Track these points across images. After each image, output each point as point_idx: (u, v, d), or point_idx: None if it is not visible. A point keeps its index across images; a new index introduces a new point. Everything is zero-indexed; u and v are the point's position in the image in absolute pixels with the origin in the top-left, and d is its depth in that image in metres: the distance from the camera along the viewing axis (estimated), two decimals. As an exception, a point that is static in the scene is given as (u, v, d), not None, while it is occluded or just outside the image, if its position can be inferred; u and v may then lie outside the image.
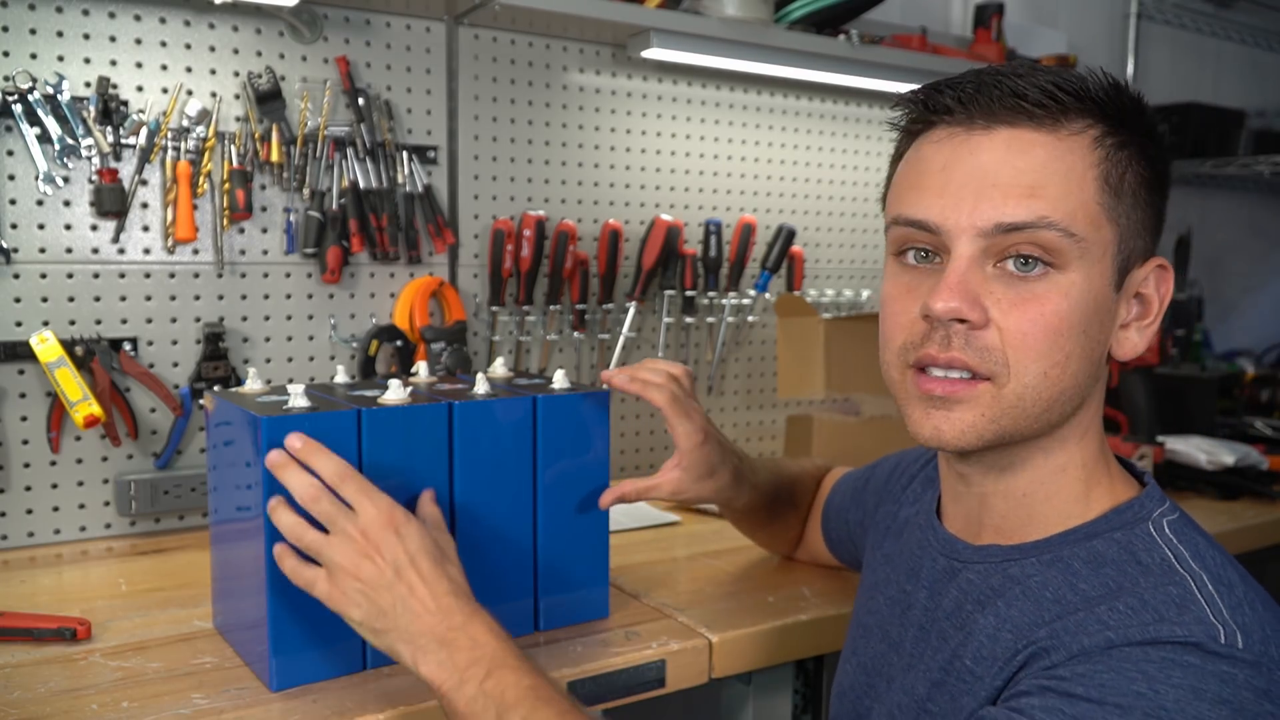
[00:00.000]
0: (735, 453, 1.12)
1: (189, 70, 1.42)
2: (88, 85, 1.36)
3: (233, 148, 1.44)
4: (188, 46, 1.42)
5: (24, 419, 1.36)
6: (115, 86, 1.37)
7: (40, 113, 1.32)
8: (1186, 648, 0.61)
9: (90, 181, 1.37)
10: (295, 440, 0.86)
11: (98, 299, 1.39)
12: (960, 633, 0.74)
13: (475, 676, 0.76)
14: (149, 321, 1.43)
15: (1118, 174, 0.69)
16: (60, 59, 1.34)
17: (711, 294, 1.88)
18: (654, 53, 1.64)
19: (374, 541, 0.81)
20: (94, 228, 1.38)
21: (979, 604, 0.74)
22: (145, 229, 1.41)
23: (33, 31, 1.32)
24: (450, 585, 0.82)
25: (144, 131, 1.39)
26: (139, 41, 1.39)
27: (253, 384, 1.01)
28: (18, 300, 1.34)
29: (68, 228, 1.37)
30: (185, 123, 1.41)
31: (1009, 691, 0.67)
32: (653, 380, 1.05)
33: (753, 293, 1.93)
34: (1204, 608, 0.63)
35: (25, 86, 1.30)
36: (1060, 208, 0.67)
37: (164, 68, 1.41)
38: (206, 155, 1.43)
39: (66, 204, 1.36)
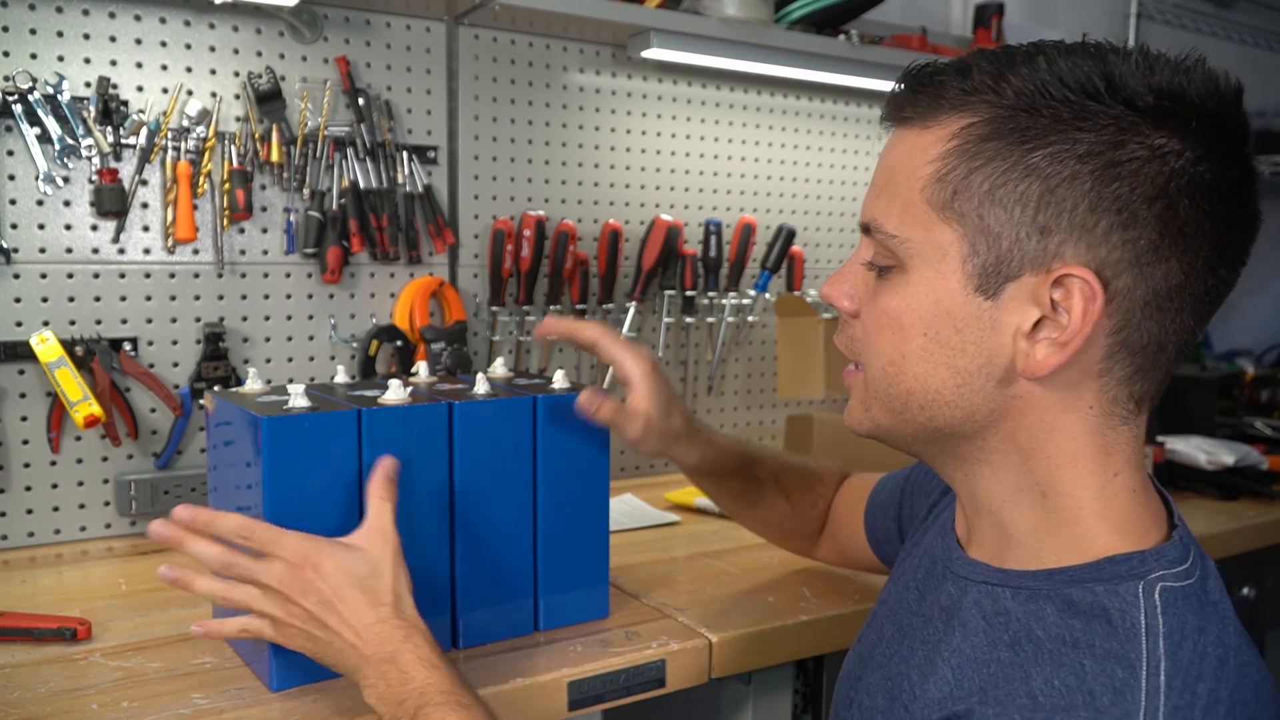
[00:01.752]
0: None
1: (189, 70, 1.42)
2: (88, 85, 1.36)
3: (233, 148, 1.44)
4: (188, 46, 1.42)
5: (24, 419, 1.36)
6: (115, 86, 1.37)
7: (40, 113, 1.32)
8: None
9: (90, 181, 1.37)
10: (184, 511, 0.84)
11: (98, 299, 1.39)
12: (925, 647, 0.72)
13: (408, 711, 0.77)
14: (149, 321, 1.43)
15: (967, 168, 0.62)
16: (60, 59, 1.34)
17: (711, 294, 1.88)
18: (654, 53, 1.64)
19: (293, 588, 0.82)
20: (94, 228, 1.38)
21: (949, 624, 0.71)
22: (145, 229, 1.41)
23: (33, 31, 1.32)
24: (378, 613, 0.82)
25: (144, 131, 1.39)
26: (139, 41, 1.39)
27: (253, 384, 1.01)
28: (18, 300, 1.34)
29: (68, 228, 1.37)
30: (185, 123, 1.41)
31: None
32: (584, 323, 1.06)
33: (753, 293, 1.93)
34: (1139, 702, 0.57)
35: (25, 86, 1.30)
36: (890, 209, 0.67)
37: (164, 68, 1.41)
38: (206, 155, 1.43)
39: (66, 204, 1.36)
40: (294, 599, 0.82)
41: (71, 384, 1.32)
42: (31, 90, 1.31)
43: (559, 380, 1.08)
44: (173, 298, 1.44)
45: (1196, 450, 1.76)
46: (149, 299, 1.42)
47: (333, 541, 0.85)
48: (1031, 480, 0.68)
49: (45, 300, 1.36)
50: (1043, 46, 0.63)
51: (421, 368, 1.12)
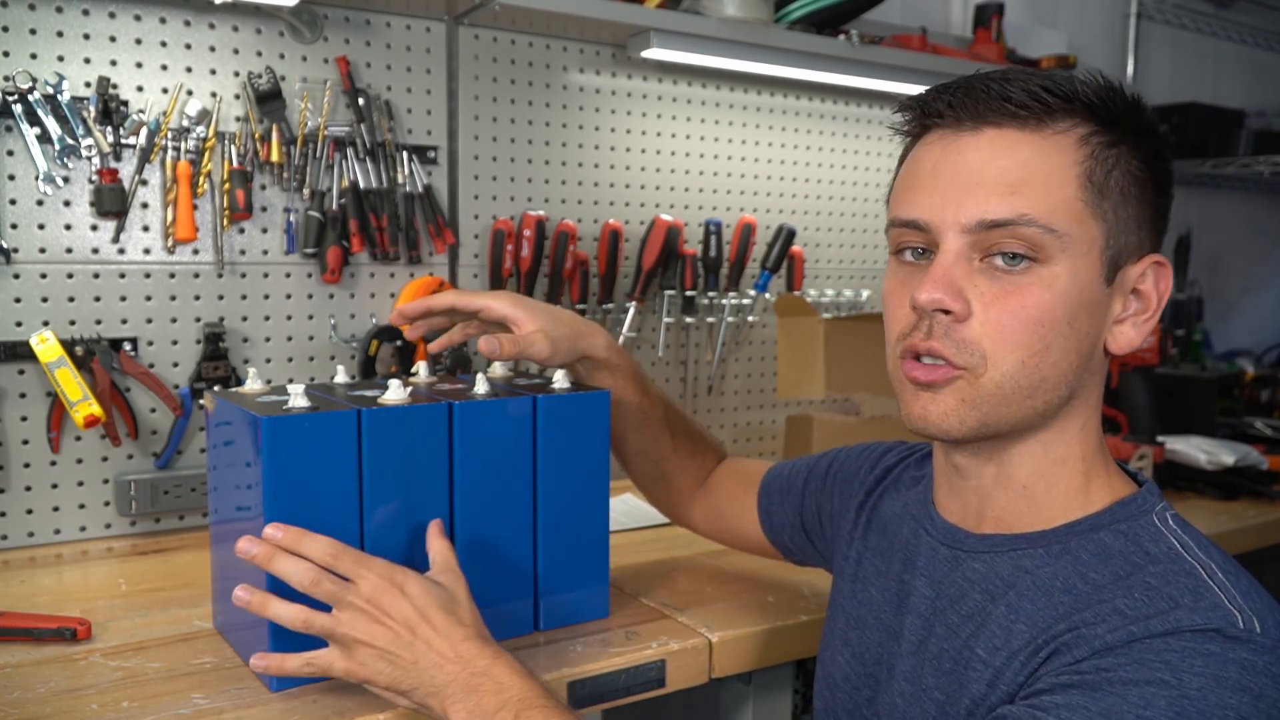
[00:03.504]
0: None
1: (189, 70, 1.42)
2: (88, 85, 1.36)
3: (233, 148, 1.44)
4: (188, 46, 1.42)
5: (24, 419, 1.36)
6: (115, 86, 1.37)
7: (40, 113, 1.32)
8: (1206, 634, 0.62)
9: (90, 181, 1.37)
10: (275, 530, 0.85)
11: (98, 299, 1.39)
12: (970, 623, 0.75)
13: (508, 716, 0.77)
14: (149, 321, 1.43)
15: (1103, 171, 0.71)
16: (60, 59, 1.34)
17: (711, 294, 1.88)
18: (654, 53, 1.64)
19: (382, 606, 0.81)
20: (94, 228, 1.38)
21: (990, 595, 0.75)
22: (145, 229, 1.41)
23: (33, 31, 1.32)
24: (465, 631, 0.82)
25: (144, 131, 1.39)
26: (139, 41, 1.39)
27: (253, 384, 1.01)
28: (18, 300, 1.34)
29: (68, 228, 1.37)
30: (185, 123, 1.41)
31: (1028, 689, 0.68)
32: (437, 297, 1.07)
33: (753, 293, 1.93)
34: (1218, 594, 0.65)
35: (25, 86, 1.30)
36: (1041, 205, 0.69)
37: (164, 68, 1.41)
38: (206, 155, 1.43)
39: (66, 204, 1.36)
40: (379, 619, 0.81)
41: (71, 384, 1.32)
42: (31, 90, 1.31)
43: (559, 380, 1.08)
44: (173, 298, 1.44)
45: (1196, 450, 1.76)
46: (149, 299, 1.42)
47: (413, 571, 0.85)
48: (1079, 450, 0.76)
49: (45, 300, 1.36)
50: (1079, 72, 0.74)
51: (421, 368, 1.12)
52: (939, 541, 0.81)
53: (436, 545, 0.92)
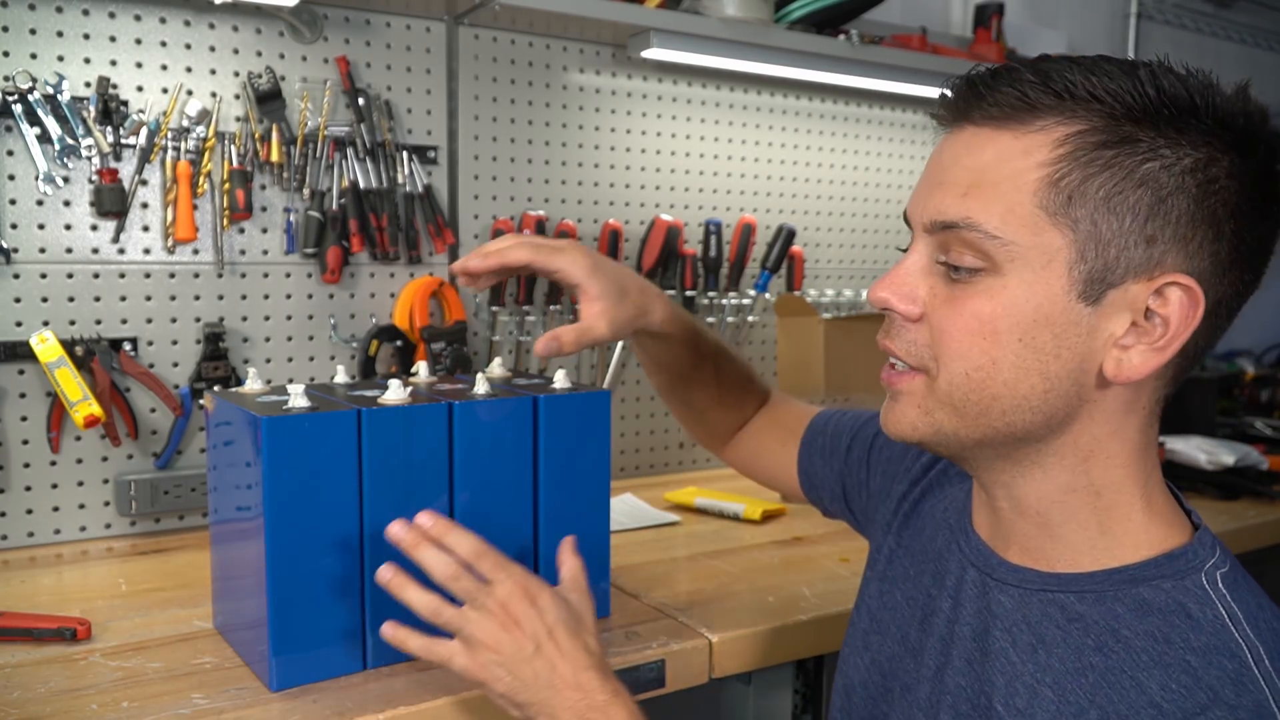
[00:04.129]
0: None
1: (189, 70, 1.42)
2: (88, 85, 1.36)
3: (233, 148, 1.44)
4: (188, 46, 1.42)
5: (24, 419, 1.36)
6: (115, 86, 1.37)
7: (40, 113, 1.32)
8: None
9: (90, 181, 1.37)
10: (426, 519, 0.85)
11: (98, 299, 1.39)
12: (987, 662, 0.71)
13: None
14: (149, 321, 1.43)
15: (1082, 176, 0.63)
16: (60, 59, 1.34)
17: (711, 294, 1.88)
18: (654, 53, 1.64)
19: (513, 615, 0.80)
20: (94, 228, 1.38)
21: (1011, 637, 0.70)
22: (145, 229, 1.41)
23: (33, 31, 1.32)
24: (589, 659, 0.80)
25: (144, 131, 1.39)
26: (139, 41, 1.39)
27: (253, 384, 1.01)
28: (18, 300, 1.34)
29: (68, 228, 1.37)
30: (185, 123, 1.41)
31: None
32: (503, 245, 0.98)
33: (753, 293, 1.93)
34: (1263, 689, 0.60)
35: (25, 86, 1.30)
36: (989, 209, 0.64)
37: (164, 68, 1.41)
38: (206, 155, 1.43)
39: (66, 204, 1.36)
40: (508, 626, 0.80)
41: (71, 384, 1.32)
42: (31, 90, 1.31)
43: (559, 380, 1.08)
44: (173, 298, 1.44)
45: (1196, 450, 1.76)
46: (149, 299, 1.42)
47: (548, 584, 0.84)
48: (1086, 480, 0.69)
49: (45, 300, 1.36)
50: (1137, 62, 0.64)
51: (421, 368, 1.12)
52: (969, 561, 0.77)
53: (570, 562, 0.90)
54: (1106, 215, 0.63)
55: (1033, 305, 0.65)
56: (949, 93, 0.69)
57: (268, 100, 1.46)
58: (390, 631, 0.85)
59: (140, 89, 1.39)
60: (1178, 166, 0.62)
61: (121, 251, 1.40)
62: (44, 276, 1.36)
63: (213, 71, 1.44)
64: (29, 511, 1.37)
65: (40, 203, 1.35)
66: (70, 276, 1.37)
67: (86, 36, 1.35)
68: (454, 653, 0.82)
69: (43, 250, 1.35)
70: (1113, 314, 0.65)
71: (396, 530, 0.85)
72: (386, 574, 0.84)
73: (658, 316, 1.03)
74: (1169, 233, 0.63)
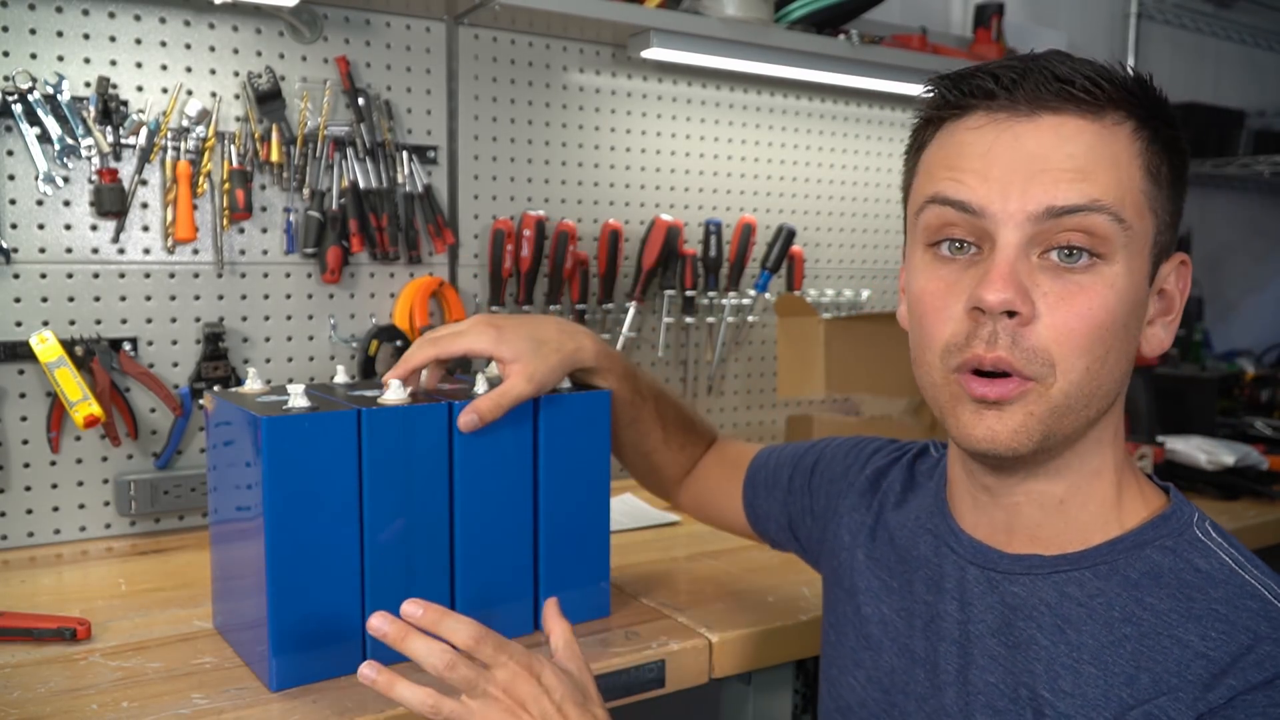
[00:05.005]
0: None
1: (189, 70, 1.42)
2: (88, 85, 1.36)
3: (233, 148, 1.44)
4: (188, 46, 1.42)
5: (24, 419, 1.36)
6: (115, 86, 1.37)
7: (40, 113, 1.32)
8: None
9: (90, 181, 1.37)
10: (414, 608, 0.76)
11: (97, 299, 1.39)
12: (1015, 653, 0.71)
13: None
14: (149, 321, 1.43)
15: (1155, 165, 0.68)
16: (60, 59, 1.34)
17: (711, 294, 1.88)
18: (654, 53, 1.64)
19: (518, 698, 0.74)
20: (94, 228, 1.38)
21: (1036, 623, 0.70)
22: (145, 229, 1.41)
23: (33, 31, 1.32)
24: None
25: (144, 131, 1.39)
26: (139, 41, 1.39)
27: (253, 384, 1.01)
28: (18, 300, 1.34)
29: (68, 228, 1.37)
30: (185, 123, 1.41)
31: None
32: (409, 354, 1.00)
33: (753, 293, 1.93)
34: None
35: (25, 86, 1.30)
36: (1111, 192, 0.65)
37: (164, 68, 1.41)
38: (206, 155, 1.43)
39: (66, 204, 1.36)
40: (514, 711, 0.74)
41: (71, 384, 1.32)
42: (31, 90, 1.31)
43: (559, 380, 1.08)
44: (172, 298, 1.44)
45: (1196, 450, 1.76)
46: (149, 299, 1.42)
47: (546, 658, 0.79)
48: (1111, 459, 0.72)
49: (45, 300, 1.36)
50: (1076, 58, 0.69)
51: (421, 368, 1.12)
52: (967, 560, 0.76)
53: (559, 628, 0.85)
54: (1164, 202, 0.69)
55: (1133, 290, 0.67)
56: (1010, 78, 0.66)
57: (268, 100, 1.46)
58: (372, 674, 0.76)
59: (140, 89, 1.39)
60: (1176, 158, 0.69)
61: (121, 251, 1.40)
62: (44, 276, 1.36)
63: (213, 71, 1.44)
64: (29, 511, 1.37)
65: (40, 203, 1.35)
66: (70, 276, 1.37)
67: (86, 36, 1.35)
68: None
69: (43, 250, 1.35)
70: (1153, 295, 0.71)
71: (377, 623, 0.75)
72: (370, 674, 0.75)
73: (589, 352, 1.05)
74: (1178, 214, 0.71)
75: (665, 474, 1.17)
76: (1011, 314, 0.64)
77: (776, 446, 1.10)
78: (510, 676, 0.75)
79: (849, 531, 0.91)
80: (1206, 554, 0.68)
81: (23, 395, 1.35)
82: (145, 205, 1.41)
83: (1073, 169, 0.65)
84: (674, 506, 1.22)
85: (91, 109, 1.35)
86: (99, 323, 1.39)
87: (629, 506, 1.59)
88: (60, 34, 1.34)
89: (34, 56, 1.32)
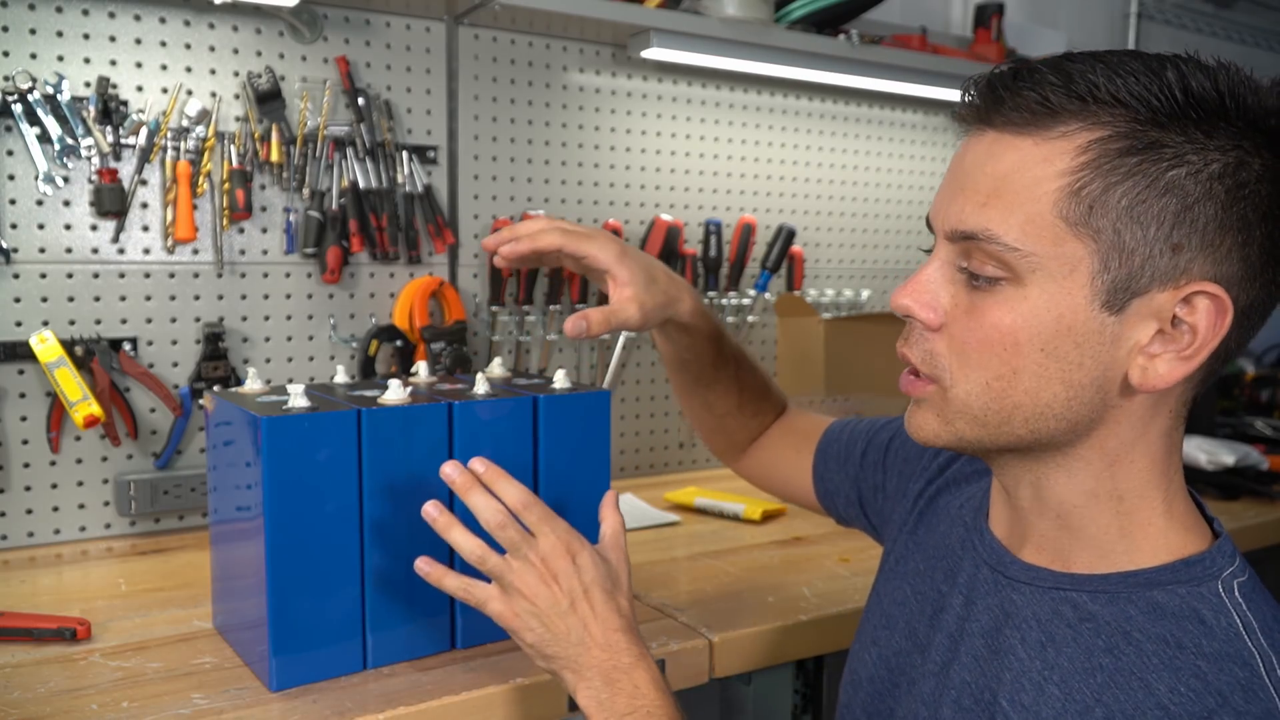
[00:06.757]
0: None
1: (189, 70, 1.42)
2: (88, 85, 1.36)
3: (233, 148, 1.44)
4: (187, 46, 1.42)
5: (24, 419, 1.36)
6: (115, 86, 1.37)
7: (40, 113, 1.32)
8: None
9: (90, 181, 1.37)
10: (479, 465, 0.87)
11: (97, 299, 1.39)
12: (996, 660, 0.71)
13: None
14: (149, 321, 1.43)
15: (1104, 184, 0.61)
16: (60, 59, 1.34)
17: (711, 294, 1.88)
18: (654, 53, 1.64)
19: (553, 570, 0.82)
20: (94, 228, 1.38)
21: (1021, 634, 0.70)
22: (145, 229, 1.41)
23: (33, 31, 1.32)
24: (620, 621, 0.83)
25: (144, 131, 1.39)
26: (139, 41, 1.39)
27: (253, 384, 1.01)
28: (17, 300, 1.34)
29: (67, 228, 1.37)
30: (185, 123, 1.41)
31: None
32: (534, 228, 0.99)
33: (753, 293, 1.93)
34: (1273, 698, 0.59)
35: (25, 86, 1.30)
36: (1008, 220, 0.63)
37: (164, 67, 1.41)
38: (206, 155, 1.43)
39: (66, 204, 1.36)
40: (546, 580, 0.82)
41: (71, 384, 1.32)
42: (31, 90, 1.31)
43: (559, 380, 1.08)
44: (172, 298, 1.44)
45: (1196, 450, 1.76)
46: (149, 299, 1.42)
47: (588, 542, 0.86)
48: (1110, 485, 0.69)
49: (45, 300, 1.36)
50: (1165, 59, 0.62)
51: (421, 368, 1.12)
52: (983, 560, 0.76)
53: (611, 519, 0.91)
54: (1130, 224, 0.61)
55: (1054, 315, 0.63)
56: (971, 94, 0.67)
57: (267, 100, 1.46)
58: (426, 568, 0.86)
59: (140, 89, 1.39)
60: (1204, 172, 0.60)
61: (121, 251, 1.40)
62: (44, 276, 1.36)
63: (212, 71, 1.44)
64: (29, 511, 1.37)
65: (40, 203, 1.35)
66: (70, 276, 1.37)
67: (86, 36, 1.35)
68: (491, 596, 0.84)
69: (42, 250, 1.35)
70: (1138, 323, 0.63)
71: (450, 470, 0.86)
72: (433, 511, 0.85)
73: (686, 307, 1.04)
74: (1195, 240, 0.61)
75: (734, 438, 1.17)
76: (919, 319, 0.68)
77: (850, 419, 1.10)
78: (550, 548, 0.83)
79: (906, 512, 0.92)
80: (1218, 610, 0.64)
81: (23, 395, 1.35)
82: (145, 205, 1.41)
83: (983, 191, 0.64)
84: (736, 473, 1.21)
85: (91, 109, 1.35)
86: (99, 323, 1.39)
87: (629, 506, 1.59)
88: (60, 34, 1.34)
89: (34, 56, 1.32)
